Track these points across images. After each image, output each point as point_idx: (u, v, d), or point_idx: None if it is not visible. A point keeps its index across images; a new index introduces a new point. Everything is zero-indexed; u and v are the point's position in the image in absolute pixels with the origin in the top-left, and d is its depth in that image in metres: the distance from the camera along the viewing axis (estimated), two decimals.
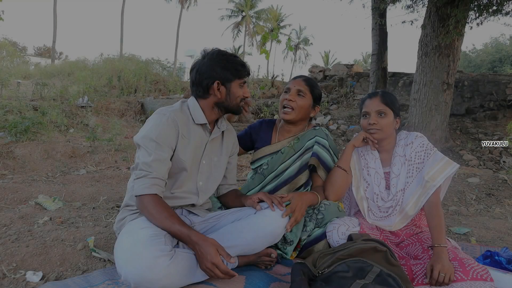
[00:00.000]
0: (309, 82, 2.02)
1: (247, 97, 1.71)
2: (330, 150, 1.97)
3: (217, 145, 1.77)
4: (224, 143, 1.81)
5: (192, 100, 1.70)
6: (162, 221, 1.41)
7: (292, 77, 2.09)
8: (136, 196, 1.48)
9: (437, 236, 1.59)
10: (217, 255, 1.34)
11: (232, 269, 1.57)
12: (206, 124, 1.67)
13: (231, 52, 1.74)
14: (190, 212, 1.72)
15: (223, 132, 1.80)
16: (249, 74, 1.70)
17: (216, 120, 1.76)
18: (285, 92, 2.01)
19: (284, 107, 1.97)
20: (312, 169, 1.98)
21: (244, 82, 1.69)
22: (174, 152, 1.58)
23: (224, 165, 1.82)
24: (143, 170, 1.48)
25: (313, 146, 1.95)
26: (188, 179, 1.66)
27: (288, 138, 2.04)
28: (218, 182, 1.81)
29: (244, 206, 1.72)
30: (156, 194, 1.47)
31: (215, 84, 1.62)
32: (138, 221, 1.46)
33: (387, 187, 1.88)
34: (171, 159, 1.57)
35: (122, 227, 1.56)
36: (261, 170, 2.05)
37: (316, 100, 2.04)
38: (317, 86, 2.04)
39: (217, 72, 1.62)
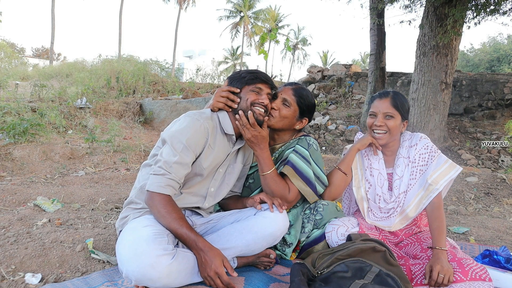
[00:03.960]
0: (298, 92, 1.88)
1: (262, 103, 1.70)
2: (310, 160, 1.83)
3: (234, 154, 1.79)
4: (240, 152, 1.82)
5: (222, 111, 1.75)
6: (170, 222, 1.42)
7: (288, 81, 2.04)
8: (147, 190, 1.49)
9: (438, 238, 1.59)
10: (222, 265, 1.35)
11: None
12: (232, 135, 1.71)
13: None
14: (193, 212, 1.72)
15: None
16: (263, 81, 1.73)
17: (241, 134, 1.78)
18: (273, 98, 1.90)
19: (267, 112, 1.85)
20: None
21: (259, 89, 1.72)
22: (197, 159, 1.60)
23: (238, 173, 1.83)
24: (163, 168, 1.49)
25: (289, 155, 1.84)
26: (201, 183, 1.68)
27: (273, 146, 1.96)
28: (229, 189, 1.82)
29: (245, 207, 1.73)
30: (168, 195, 1.48)
31: None
32: (142, 219, 1.47)
33: (390, 188, 1.86)
34: (192, 164, 1.58)
35: (124, 225, 1.56)
36: (247, 184, 1.97)
37: (304, 112, 1.90)
38: (306, 98, 1.90)
39: (232, 82, 1.76)
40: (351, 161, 1.90)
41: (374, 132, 1.82)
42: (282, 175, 1.83)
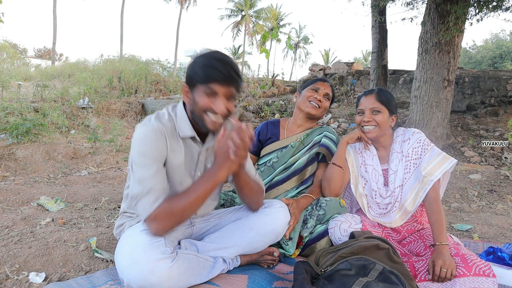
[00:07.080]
0: (333, 89, 2.21)
1: (216, 113, 1.33)
2: (337, 145, 2.10)
3: (209, 152, 1.54)
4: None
5: (179, 107, 1.45)
6: (186, 207, 1.30)
7: (320, 77, 2.25)
8: (144, 222, 1.34)
9: (438, 232, 1.59)
10: (228, 151, 1.26)
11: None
12: (194, 137, 1.44)
13: (229, 54, 1.53)
14: None
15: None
16: (220, 82, 1.30)
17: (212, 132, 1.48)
18: (313, 90, 2.12)
19: (311, 102, 2.09)
20: (321, 160, 2.11)
21: (213, 92, 1.31)
22: (165, 165, 1.40)
23: None
24: (139, 195, 1.32)
25: (321, 139, 2.11)
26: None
27: (297, 134, 2.15)
28: (219, 191, 1.68)
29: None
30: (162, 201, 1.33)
31: (183, 88, 1.40)
32: (138, 225, 1.43)
33: (385, 184, 1.88)
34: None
35: (121, 232, 1.54)
36: (270, 163, 2.13)
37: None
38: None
39: (187, 74, 1.38)
40: (343, 153, 1.94)
41: (363, 128, 1.87)
42: (318, 155, 2.12)
